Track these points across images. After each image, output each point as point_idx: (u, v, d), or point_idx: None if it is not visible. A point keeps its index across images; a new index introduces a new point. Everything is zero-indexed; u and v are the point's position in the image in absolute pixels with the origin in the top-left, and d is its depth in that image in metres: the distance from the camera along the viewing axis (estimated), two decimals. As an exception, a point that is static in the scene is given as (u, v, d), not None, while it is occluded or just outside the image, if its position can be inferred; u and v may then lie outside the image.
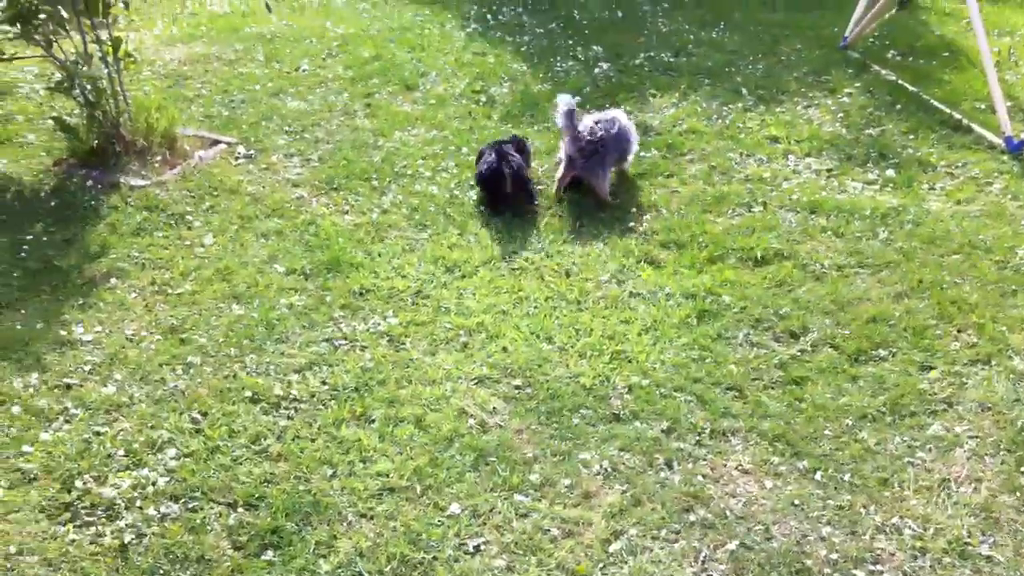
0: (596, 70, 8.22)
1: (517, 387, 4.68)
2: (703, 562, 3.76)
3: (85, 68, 6.42)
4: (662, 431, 4.38)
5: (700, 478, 4.13)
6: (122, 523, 3.92)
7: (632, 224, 5.98)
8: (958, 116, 7.01)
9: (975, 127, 6.84)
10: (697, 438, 4.34)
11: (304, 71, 8.31)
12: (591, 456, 4.24)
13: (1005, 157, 6.45)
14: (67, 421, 4.46)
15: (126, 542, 3.83)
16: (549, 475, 4.14)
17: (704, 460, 4.22)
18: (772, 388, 4.61)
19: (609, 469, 4.17)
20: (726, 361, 4.79)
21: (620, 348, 4.91)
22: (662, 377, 4.70)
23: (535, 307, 5.25)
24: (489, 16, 9.61)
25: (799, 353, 4.82)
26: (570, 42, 8.84)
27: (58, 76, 6.51)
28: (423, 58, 8.57)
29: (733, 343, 4.93)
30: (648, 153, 6.81)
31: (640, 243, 5.79)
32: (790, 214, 6.00)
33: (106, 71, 6.58)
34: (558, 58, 8.49)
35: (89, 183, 6.34)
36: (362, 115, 7.51)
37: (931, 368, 4.68)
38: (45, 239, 5.81)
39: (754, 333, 4.99)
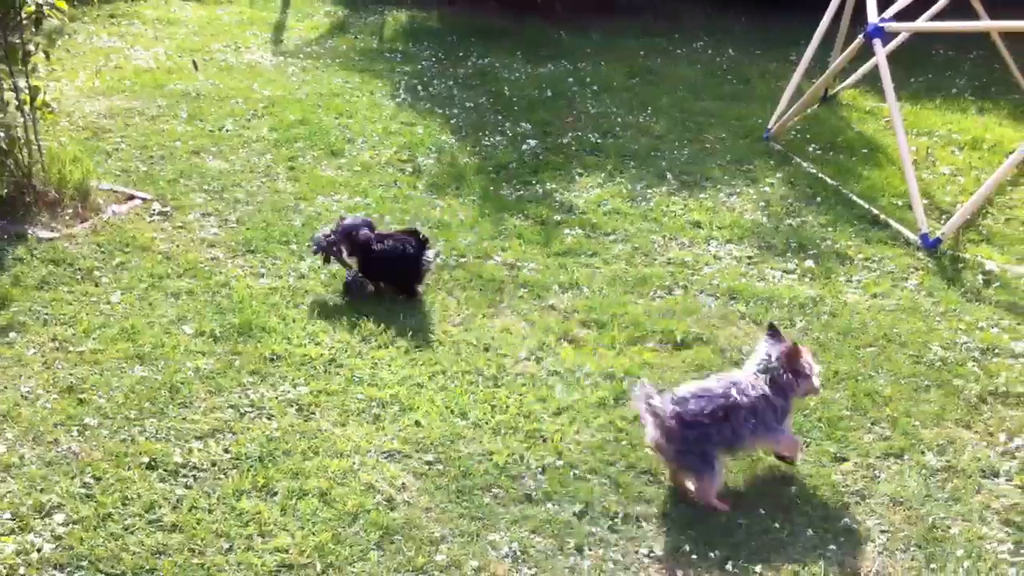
0: (523, 146, 8.25)
1: (428, 463, 4.54)
2: (611, 653, 3.65)
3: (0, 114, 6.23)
4: (574, 514, 4.27)
5: (611, 565, 4.02)
6: (-2, 594, 3.68)
7: (553, 302, 5.93)
8: (876, 211, 7.17)
9: (892, 223, 6.99)
10: (610, 522, 4.24)
11: (227, 131, 8.18)
12: (500, 538, 4.12)
13: (920, 254, 6.59)
14: (-53, 482, 4.20)
15: (1, 614, 3.60)
16: (456, 556, 4.00)
17: (616, 546, 4.12)
18: (687, 474, 4.54)
19: (519, 552, 4.05)
20: (641, 444, 4.70)
21: (535, 427, 4.81)
22: (576, 458, 4.61)
23: (451, 381, 5.14)
24: (419, 87, 9.62)
25: (715, 439, 4.78)
26: (499, 117, 8.88)
27: (-32, 121, 6.30)
28: (350, 125, 8.52)
29: (649, 426, 4.86)
30: (572, 231, 6.81)
31: (561, 321, 5.74)
32: (710, 299, 6.02)
33: (21, 120, 6.39)
34: (486, 132, 8.51)
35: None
36: (284, 178, 7.39)
37: (844, 460, 4.67)
38: (-59, 288, 5.56)
39: (671, 417, 4.93)
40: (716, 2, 13.13)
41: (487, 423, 4.83)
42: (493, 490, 4.39)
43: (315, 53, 10.73)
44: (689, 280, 6.23)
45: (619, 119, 8.99)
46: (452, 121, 8.77)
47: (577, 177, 7.74)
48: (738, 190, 7.59)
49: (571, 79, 10.03)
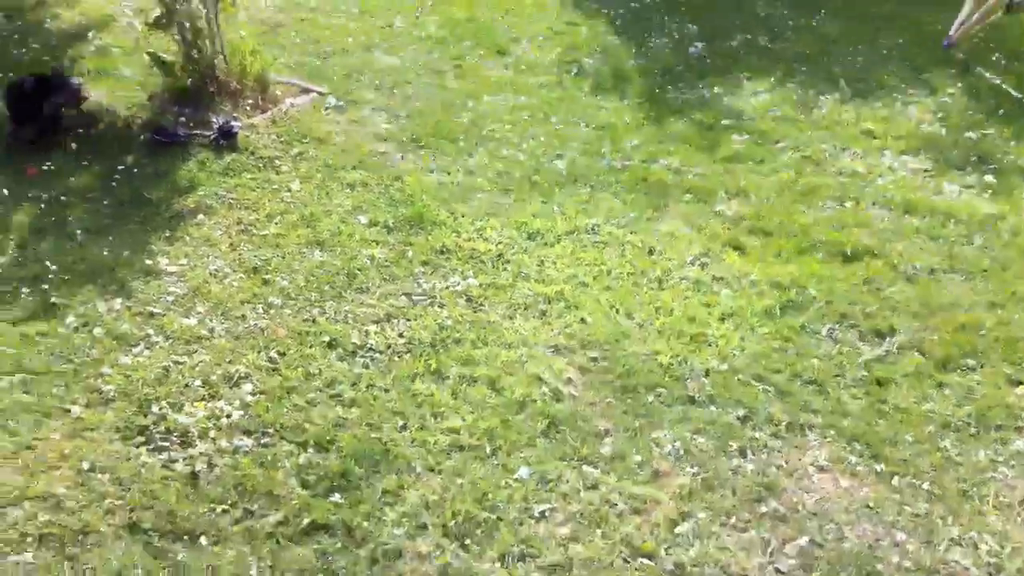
0: (690, 49, 8.09)
1: (593, 359, 4.64)
2: (771, 554, 3.70)
3: (184, 6, 6.45)
4: (738, 418, 4.31)
5: (774, 470, 4.06)
6: (195, 451, 4.00)
7: (720, 208, 5.88)
8: (1064, 126, 6.78)
9: (1082, 139, 6.61)
10: (774, 429, 4.26)
11: (397, 28, 8.28)
12: (663, 435, 4.20)
13: (1111, 172, 6.23)
14: (147, 348, 4.54)
15: (197, 470, 3.91)
16: (620, 450, 4.11)
17: (779, 452, 4.15)
18: (854, 387, 4.50)
19: (681, 450, 4.12)
20: (808, 355, 4.69)
21: (700, 331, 4.84)
22: (741, 364, 4.62)
23: (616, 281, 5.19)
24: (585, -13, 9.49)
25: (884, 354, 4.70)
26: (665, 19, 8.68)
27: (157, 12, 6.54)
28: (515, 24, 8.49)
29: (817, 337, 4.82)
30: (739, 137, 6.69)
31: (727, 228, 5.69)
32: (883, 212, 5.85)
33: (204, 11, 6.62)
34: (652, 34, 8.36)
35: (182, 119, 6.39)
36: (452, 76, 7.46)
37: (1020, 383, 4.53)
38: (136, 171, 5.89)
39: (839, 329, 4.88)
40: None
41: (651, 324, 4.87)
42: (657, 390, 4.45)
43: (481, -50, 10.66)
44: (861, 191, 6.06)
45: (790, 21, 8.68)
46: (617, 22, 8.63)
47: (745, 82, 7.56)
48: (915, 100, 7.27)
49: (741, -20, 9.71)
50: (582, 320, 4.88)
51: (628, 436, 4.18)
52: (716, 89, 7.41)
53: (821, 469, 4.07)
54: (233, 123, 6.24)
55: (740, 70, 7.75)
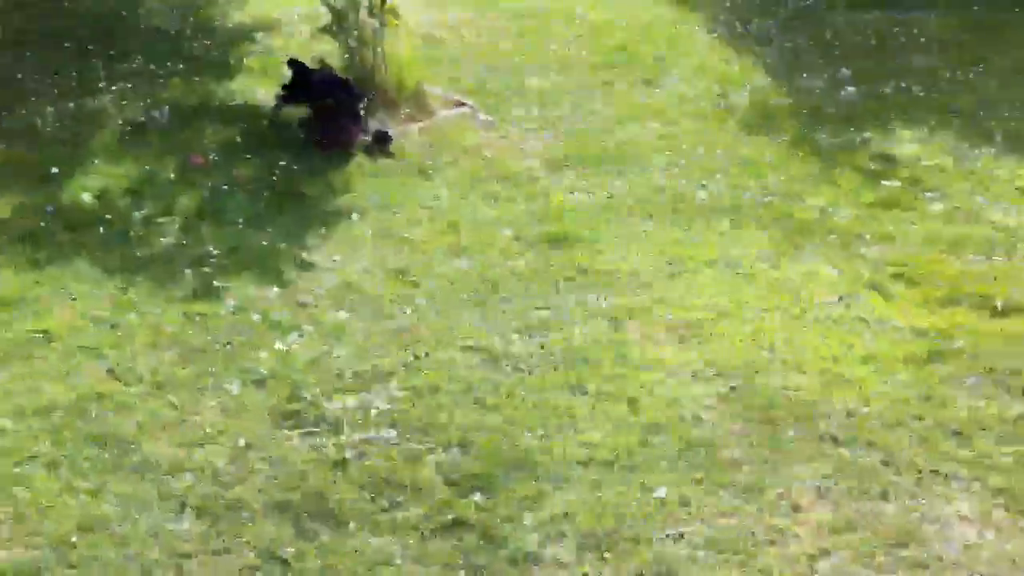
0: (841, 92, 8.01)
1: (732, 388, 4.63)
2: (913, 601, 3.64)
3: (354, 16, 6.72)
4: (879, 462, 4.24)
5: (916, 516, 3.97)
6: (343, 439, 4.14)
7: (864, 251, 5.81)
8: None
9: None
10: (916, 476, 4.17)
11: (550, 51, 8.42)
12: (802, 470, 4.16)
13: None
14: (300, 336, 4.72)
15: (346, 457, 4.04)
16: (758, 481, 4.09)
17: (922, 499, 4.06)
18: (1003, 442, 4.36)
19: (820, 488, 4.08)
20: (952, 405, 4.58)
21: (839, 371, 4.78)
22: (882, 408, 4.55)
23: (756, 314, 5.17)
24: (738, 24, 9.46)
25: (1035, 412, 4.58)
26: (819, 61, 8.59)
27: (327, 19, 6.82)
28: (666, 56, 8.54)
29: (962, 388, 4.70)
30: (888, 183, 6.60)
31: (871, 271, 5.62)
32: (1036, 268, 5.70)
33: (371, 22, 6.87)
34: (803, 75, 8.30)
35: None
36: (601, 101, 7.57)
37: None
38: (295, 167, 6.16)
39: (986, 384, 4.75)
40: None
41: (791, 359, 4.84)
42: (796, 425, 4.42)
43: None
44: (1012, 246, 5.91)
45: (947, 73, 8.49)
46: (768, 61, 8.58)
47: (896, 130, 7.45)
48: (1078, 160, 7.06)
49: (897, 28, 9.54)
50: (721, 349, 4.88)
51: (767, 468, 4.16)
52: (866, 134, 7.32)
53: (964, 519, 3.97)
54: (388, 130, 6.47)
55: (892, 118, 7.64)
